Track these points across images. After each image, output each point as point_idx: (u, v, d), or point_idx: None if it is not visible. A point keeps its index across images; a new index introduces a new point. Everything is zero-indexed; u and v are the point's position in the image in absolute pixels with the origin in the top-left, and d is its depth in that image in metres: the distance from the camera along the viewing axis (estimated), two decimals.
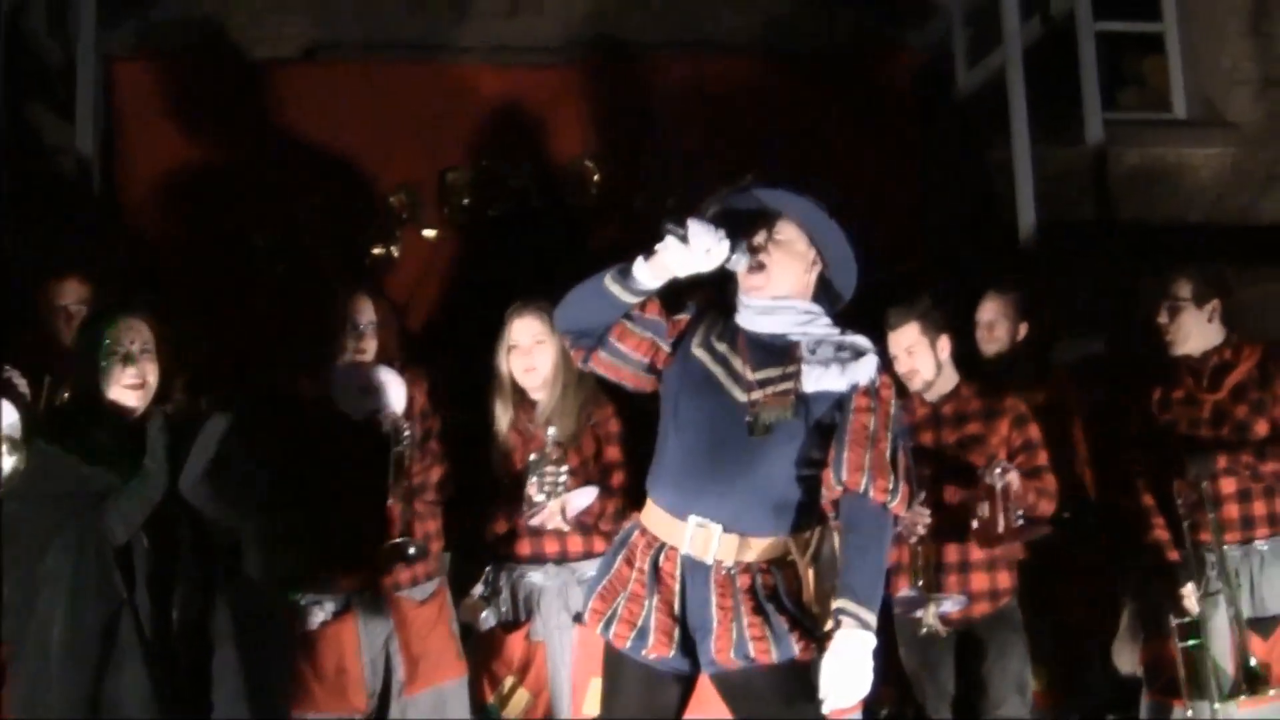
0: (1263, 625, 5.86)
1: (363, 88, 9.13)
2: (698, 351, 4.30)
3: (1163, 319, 6.11)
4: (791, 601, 4.19)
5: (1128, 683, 6.53)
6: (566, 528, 5.58)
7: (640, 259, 4.15)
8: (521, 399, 5.77)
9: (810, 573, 4.24)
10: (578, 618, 5.46)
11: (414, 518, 5.51)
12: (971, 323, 7.04)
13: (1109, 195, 9.47)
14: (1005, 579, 6.07)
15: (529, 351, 5.72)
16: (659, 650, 4.17)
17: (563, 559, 5.66)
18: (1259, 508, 5.93)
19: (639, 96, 9.48)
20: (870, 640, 4.04)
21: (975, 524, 5.88)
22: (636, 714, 4.28)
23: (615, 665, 4.31)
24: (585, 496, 5.58)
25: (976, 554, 5.99)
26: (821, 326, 4.32)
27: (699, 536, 4.16)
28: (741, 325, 4.33)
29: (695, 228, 4.05)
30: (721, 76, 9.63)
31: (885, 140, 9.65)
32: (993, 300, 7.02)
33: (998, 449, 6.00)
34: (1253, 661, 5.68)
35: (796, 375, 4.20)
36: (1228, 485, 5.92)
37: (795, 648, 4.14)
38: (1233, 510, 5.92)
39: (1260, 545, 5.93)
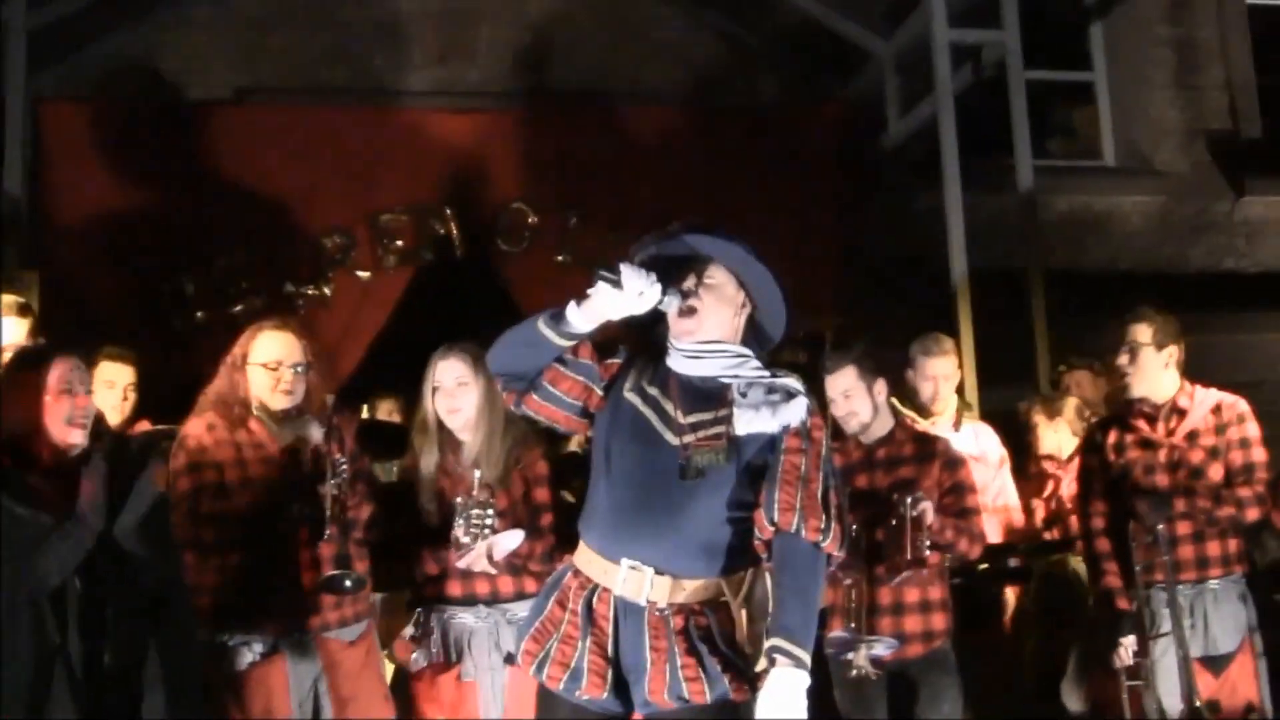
0: (1215, 663, 5.93)
1: (294, 131, 9.16)
2: (629, 395, 4.28)
3: (1123, 360, 6.15)
4: (725, 642, 4.16)
5: None
6: (494, 570, 5.55)
7: (573, 303, 4.15)
8: (448, 440, 5.74)
9: (743, 614, 4.23)
10: (509, 658, 5.50)
11: (348, 555, 5.47)
12: (903, 374, 7.15)
13: (1039, 242, 9.53)
14: (940, 621, 6.06)
15: (453, 393, 5.69)
16: (592, 691, 4.13)
17: (494, 600, 5.60)
18: (1213, 549, 5.99)
19: (570, 144, 9.56)
20: (804, 679, 4.00)
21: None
22: None
23: (549, 707, 4.26)
24: (512, 539, 5.55)
25: (910, 596, 5.99)
26: (751, 369, 4.30)
27: (632, 579, 4.14)
28: (673, 369, 4.31)
29: (627, 271, 4.06)
30: (651, 126, 9.72)
31: (814, 189, 9.74)
32: (940, 359, 7.17)
33: (930, 492, 6.01)
34: (1198, 703, 5.73)
35: (728, 419, 4.19)
36: (1183, 527, 5.97)
37: (729, 688, 4.11)
38: (1188, 551, 5.97)
39: (1213, 584, 5.98)
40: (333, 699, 5.43)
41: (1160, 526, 5.88)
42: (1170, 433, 6.07)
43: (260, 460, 5.47)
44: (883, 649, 5.93)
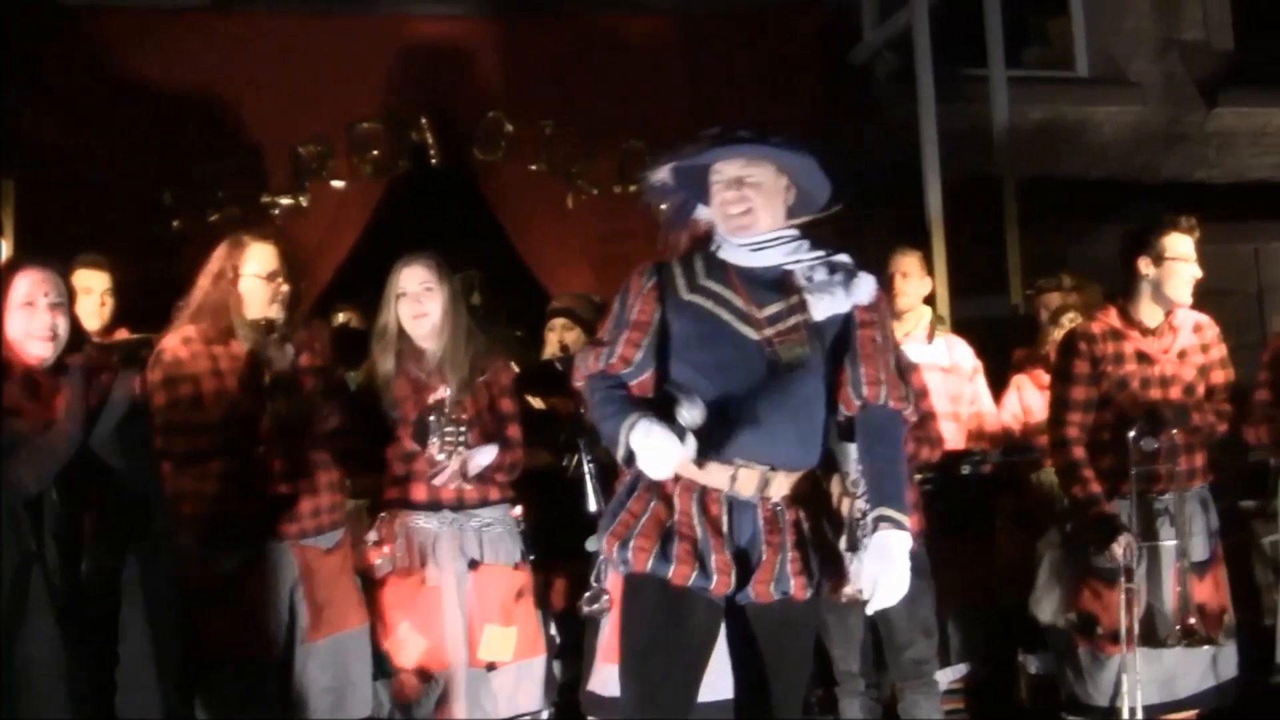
0: (1197, 569, 6.02)
1: (271, 39, 9.15)
2: (692, 297, 4.29)
3: (1181, 269, 6.09)
4: (825, 536, 4.27)
5: (1041, 630, 6.75)
6: (468, 486, 5.63)
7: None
8: (408, 347, 5.77)
9: (845, 501, 4.32)
10: (473, 563, 5.65)
11: (316, 466, 5.55)
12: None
13: (1013, 153, 9.56)
14: (912, 523, 6.09)
15: (418, 298, 5.72)
16: (721, 589, 4.19)
17: (459, 505, 5.69)
18: (1196, 460, 6.10)
19: (547, 52, 9.55)
20: (908, 540, 4.19)
21: None
22: (697, 644, 4.26)
23: (669, 601, 4.21)
24: (486, 455, 5.63)
25: None
26: (809, 252, 4.34)
27: (744, 477, 4.18)
28: (731, 261, 4.34)
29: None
30: (629, 34, 9.70)
31: (793, 97, 9.75)
32: (904, 256, 7.18)
33: None
34: (1192, 619, 5.86)
35: (802, 306, 4.24)
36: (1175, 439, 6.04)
37: (826, 586, 4.27)
38: (1178, 463, 6.03)
39: (1192, 494, 6.08)
40: (308, 605, 5.50)
41: (1174, 433, 5.94)
42: (1165, 350, 6.12)
43: (236, 372, 5.51)
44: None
